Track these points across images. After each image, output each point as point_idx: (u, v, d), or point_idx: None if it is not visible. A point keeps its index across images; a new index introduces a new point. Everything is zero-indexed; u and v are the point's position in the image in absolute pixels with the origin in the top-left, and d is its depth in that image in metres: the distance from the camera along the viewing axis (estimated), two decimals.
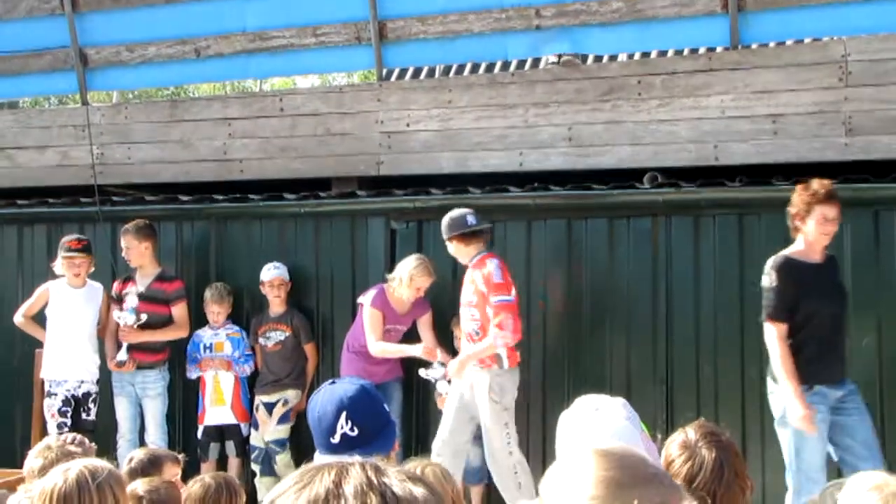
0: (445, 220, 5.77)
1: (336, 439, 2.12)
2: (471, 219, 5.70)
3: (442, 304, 6.50)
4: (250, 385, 6.84)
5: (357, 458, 0.96)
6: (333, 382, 2.26)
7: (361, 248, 6.67)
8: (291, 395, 6.73)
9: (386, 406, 2.27)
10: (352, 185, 6.84)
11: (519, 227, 6.49)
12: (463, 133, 6.60)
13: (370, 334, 6.11)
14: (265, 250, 6.92)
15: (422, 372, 5.82)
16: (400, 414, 6.34)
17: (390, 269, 6.35)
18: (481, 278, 5.51)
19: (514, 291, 5.60)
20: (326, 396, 2.18)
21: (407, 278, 6.00)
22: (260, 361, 6.82)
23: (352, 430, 2.12)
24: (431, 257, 6.35)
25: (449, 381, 5.73)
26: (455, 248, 5.76)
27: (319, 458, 2.08)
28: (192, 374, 6.89)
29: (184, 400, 7.03)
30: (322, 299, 6.84)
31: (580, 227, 6.40)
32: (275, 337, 6.76)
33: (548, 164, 6.44)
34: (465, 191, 6.58)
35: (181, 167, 7.16)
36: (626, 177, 6.30)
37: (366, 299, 6.20)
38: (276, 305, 6.75)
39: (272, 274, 6.64)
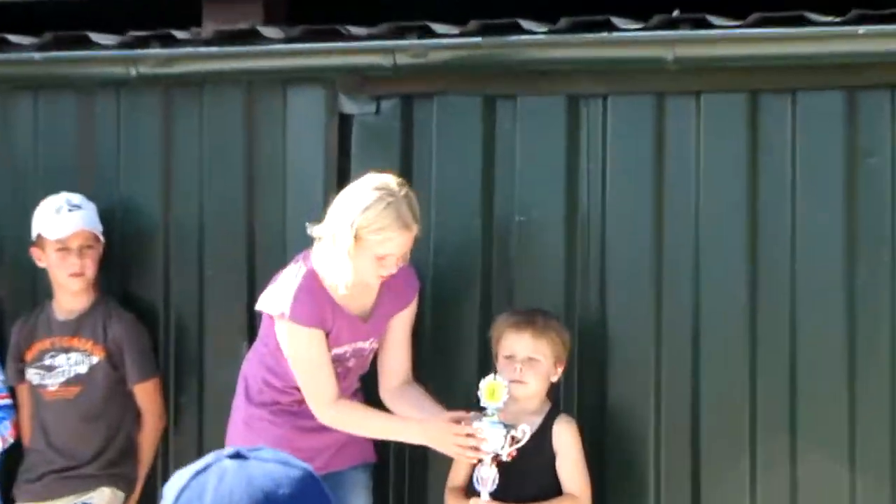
0: None
1: None
2: None
3: (465, 277, 4.87)
4: (7, 474, 5.45)
5: None
6: (240, 456, 1.70)
7: (273, 162, 5.09)
8: (103, 498, 5.31)
9: None
10: (252, 14, 5.41)
11: (639, 112, 4.75)
12: None
13: (308, 379, 4.54)
14: (45, 166, 5.48)
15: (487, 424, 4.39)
16: None
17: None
18: None
19: None
20: (231, 486, 1.69)
21: (348, 232, 4.35)
22: (26, 423, 5.44)
23: None
24: (424, 180, 4.77)
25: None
26: None
27: None
28: None
29: None
30: (180, 279, 5.15)
31: (777, 109, 4.66)
32: (65, 367, 5.27)
33: None
34: (513, 28, 4.85)
35: None
36: None
37: (275, 303, 4.56)
38: (71, 294, 5.24)
39: (64, 224, 5.18)
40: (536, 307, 4.49)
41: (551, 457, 4.32)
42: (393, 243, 4.25)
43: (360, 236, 4.23)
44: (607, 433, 4.54)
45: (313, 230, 4.40)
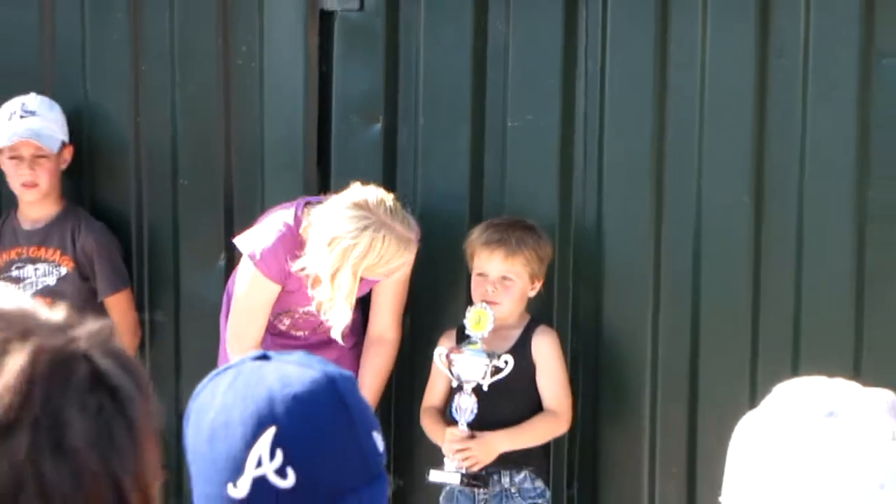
0: None
1: (241, 491, 1.63)
2: None
3: (453, 186, 4.45)
4: None
5: None
6: (264, 357, 1.71)
7: (249, 64, 4.52)
8: None
9: (377, 434, 1.69)
10: None
11: (642, 5, 4.19)
12: None
13: (241, 320, 4.25)
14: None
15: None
16: None
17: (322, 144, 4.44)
18: None
19: None
20: (240, 386, 1.69)
21: (349, 279, 3.98)
22: None
23: (281, 473, 1.63)
24: (410, 83, 4.36)
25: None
26: None
27: None
28: None
29: None
30: (152, 187, 4.69)
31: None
32: (33, 279, 4.77)
33: None
34: None
35: None
36: None
37: (250, 242, 4.20)
38: (33, 205, 4.75)
39: (12, 131, 4.61)
40: (515, 218, 4.07)
41: (531, 370, 4.02)
42: (402, 266, 3.97)
43: (363, 274, 3.95)
44: (602, 356, 4.14)
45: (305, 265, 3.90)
